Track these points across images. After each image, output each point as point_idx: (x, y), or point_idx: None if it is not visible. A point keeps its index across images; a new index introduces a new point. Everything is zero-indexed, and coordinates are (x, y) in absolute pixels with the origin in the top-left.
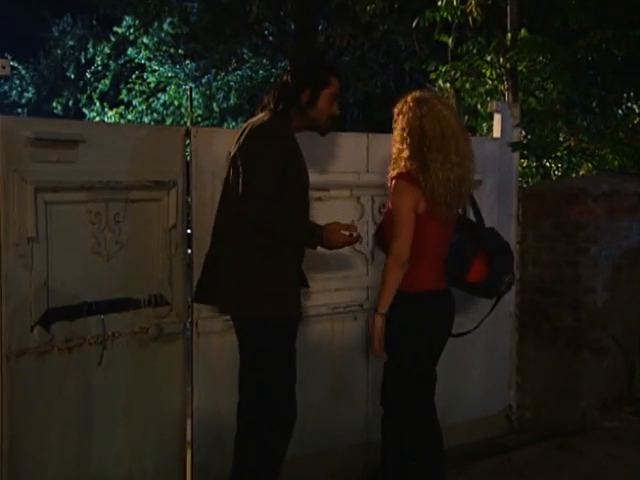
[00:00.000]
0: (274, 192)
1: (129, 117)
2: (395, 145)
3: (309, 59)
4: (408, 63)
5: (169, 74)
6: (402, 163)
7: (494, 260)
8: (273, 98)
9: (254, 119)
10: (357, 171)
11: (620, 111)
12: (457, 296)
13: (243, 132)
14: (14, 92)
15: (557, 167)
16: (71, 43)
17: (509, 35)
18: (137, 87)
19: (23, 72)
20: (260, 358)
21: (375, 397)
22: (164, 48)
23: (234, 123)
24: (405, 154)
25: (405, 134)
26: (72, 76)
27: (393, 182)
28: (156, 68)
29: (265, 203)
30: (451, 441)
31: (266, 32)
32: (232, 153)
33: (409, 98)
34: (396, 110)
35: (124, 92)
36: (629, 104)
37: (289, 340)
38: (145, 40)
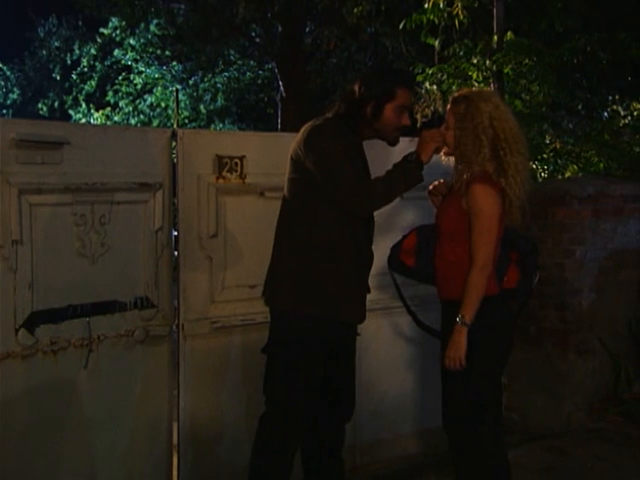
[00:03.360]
0: (355, 173)
1: (115, 119)
2: (464, 146)
3: (379, 68)
4: (395, 65)
5: (156, 76)
6: (477, 166)
7: (525, 262)
8: (340, 104)
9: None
10: None
11: (605, 114)
12: None
13: (302, 134)
14: None
15: (543, 169)
16: (57, 44)
17: (495, 38)
18: (123, 89)
19: (8, 73)
20: (279, 360)
21: (364, 400)
22: (151, 49)
23: (221, 125)
24: (481, 157)
25: (476, 135)
26: (58, 77)
27: (476, 186)
28: (143, 69)
29: (355, 186)
30: (439, 443)
31: (253, 34)
32: (291, 156)
33: (469, 95)
34: (456, 108)
35: (110, 94)
36: (614, 107)
37: (309, 348)
38: (131, 41)
